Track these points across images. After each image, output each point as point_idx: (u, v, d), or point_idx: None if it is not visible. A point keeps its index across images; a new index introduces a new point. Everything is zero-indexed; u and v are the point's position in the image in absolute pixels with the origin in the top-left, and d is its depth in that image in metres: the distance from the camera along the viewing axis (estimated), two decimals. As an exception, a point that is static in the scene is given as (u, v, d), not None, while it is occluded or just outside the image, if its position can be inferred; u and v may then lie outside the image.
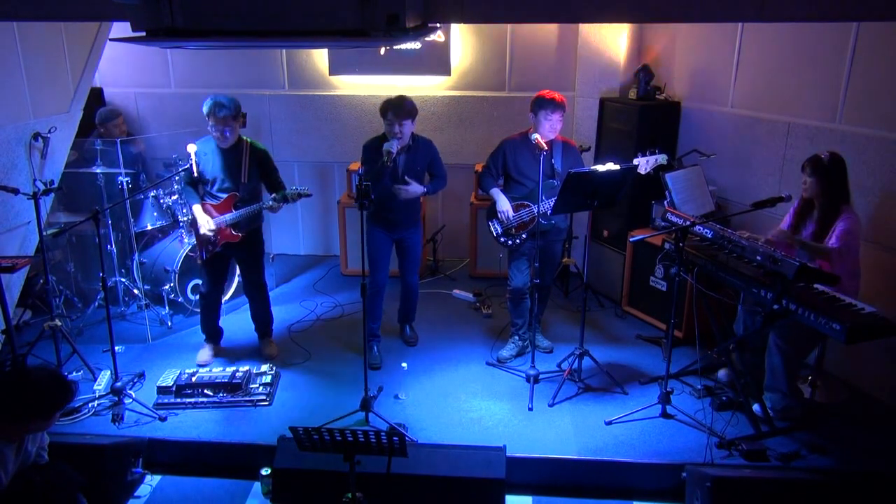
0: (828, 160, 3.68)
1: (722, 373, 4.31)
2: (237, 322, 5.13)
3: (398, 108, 4.19)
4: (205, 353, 4.62)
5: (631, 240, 4.66)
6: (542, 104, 4.16)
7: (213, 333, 4.71)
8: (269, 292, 4.76)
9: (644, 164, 4.13)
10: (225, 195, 4.32)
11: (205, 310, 4.64)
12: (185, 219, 5.19)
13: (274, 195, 4.29)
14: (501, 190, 4.41)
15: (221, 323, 4.78)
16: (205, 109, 4.16)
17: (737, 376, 3.95)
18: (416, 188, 4.43)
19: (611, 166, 3.94)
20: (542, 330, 4.94)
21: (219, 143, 4.25)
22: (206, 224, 4.27)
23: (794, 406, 3.86)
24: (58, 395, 2.84)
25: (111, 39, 5.21)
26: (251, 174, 4.32)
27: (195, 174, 4.30)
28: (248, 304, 4.77)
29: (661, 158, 4.17)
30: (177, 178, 4.96)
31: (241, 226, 4.35)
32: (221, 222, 4.30)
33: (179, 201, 5.20)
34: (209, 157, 4.29)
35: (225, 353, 4.73)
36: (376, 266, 4.55)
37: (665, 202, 4.49)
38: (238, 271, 5.18)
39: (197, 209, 4.33)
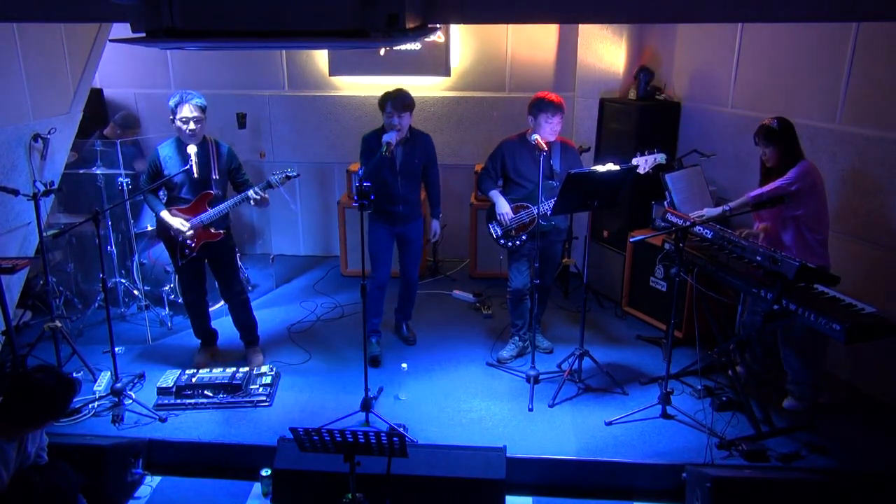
0: (778, 126, 3.73)
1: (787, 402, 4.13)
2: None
3: (396, 101, 4.22)
4: (201, 357, 4.60)
5: (631, 240, 4.66)
6: (542, 107, 4.15)
7: (206, 336, 4.68)
8: (248, 294, 4.69)
9: (643, 163, 4.13)
10: (195, 196, 4.21)
11: (192, 315, 4.59)
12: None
13: (259, 183, 4.16)
14: (500, 192, 4.40)
15: (216, 325, 4.76)
16: (173, 102, 4.03)
17: (736, 377, 3.95)
18: (436, 227, 4.70)
19: (610, 167, 3.94)
20: (543, 330, 4.94)
21: (185, 139, 4.09)
22: (183, 227, 4.17)
23: (811, 394, 3.95)
24: (65, 395, 2.87)
25: (111, 40, 5.21)
26: (221, 171, 4.23)
27: (171, 178, 4.16)
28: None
29: (660, 158, 4.17)
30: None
31: (217, 224, 4.28)
32: (199, 222, 4.20)
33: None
34: (174, 159, 4.16)
35: (223, 355, 4.72)
36: (378, 262, 4.55)
37: (665, 202, 4.49)
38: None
39: (166, 215, 4.20)
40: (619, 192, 4.04)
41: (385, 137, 4.17)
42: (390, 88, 4.32)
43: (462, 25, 5.89)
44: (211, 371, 4.30)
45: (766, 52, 4.71)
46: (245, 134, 6.04)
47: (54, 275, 4.96)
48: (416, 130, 4.47)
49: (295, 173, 4.21)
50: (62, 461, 3.12)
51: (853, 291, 3.59)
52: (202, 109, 4.09)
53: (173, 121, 4.09)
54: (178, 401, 4.08)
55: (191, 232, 4.20)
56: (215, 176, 4.21)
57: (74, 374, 4.30)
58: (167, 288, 5.09)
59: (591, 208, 3.99)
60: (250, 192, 4.15)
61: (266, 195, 4.17)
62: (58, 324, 4.05)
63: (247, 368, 4.36)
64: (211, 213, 4.20)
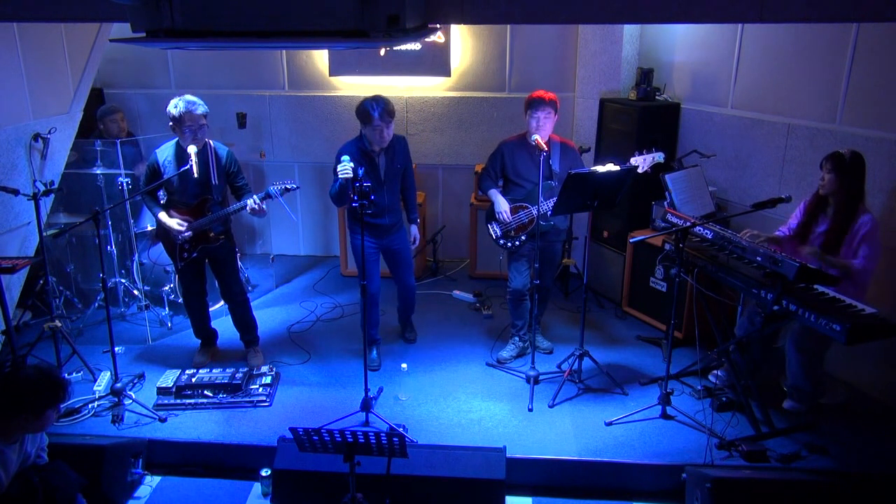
0: (849, 157, 3.65)
1: (712, 376, 4.30)
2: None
3: (385, 109, 4.06)
4: (201, 357, 4.60)
5: (631, 241, 4.66)
6: (528, 103, 4.19)
7: (206, 336, 4.68)
8: (248, 295, 4.69)
9: (642, 162, 4.13)
10: (194, 200, 4.22)
11: (191, 316, 4.59)
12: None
13: (258, 193, 4.13)
14: (500, 192, 4.41)
15: (216, 325, 4.76)
16: (178, 110, 4.00)
17: (737, 377, 3.95)
18: (415, 232, 4.61)
19: (610, 167, 3.94)
20: (543, 331, 4.94)
21: (185, 143, 4.08)
22: (180, 228, 4.16)
23: (811, 395, 3.96)
24: (48, 393, 2.78)
25: (111, 40, 5.21)
26: (220, 175, 4.22)
27: (171, 180, 4.16)
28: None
29: (659, 156, 4.17)
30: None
31: (216, 228, 4.28)
32: (197, 226, 4.21)
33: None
34: (173, 162, 4.16)
35: (223, 355, 4.72)
36: (367, 275, 4.28)
37: (665, 203, 4.49)
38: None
39: (164, 217, 4.20)
40: (619, 192, 4.04)
41: (347, 170, 3.90)
42: (390, 90, 4.27)
43: (462, 25, 5.89)
44: (211, 371, 4.30)
45: (766, 52, 4.71)
46: (245, 134, 6.04)
47: (54, 274, 4.96)
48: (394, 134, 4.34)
49: (294, 186, 4.17)
50: (62, 461, 3.12)
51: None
52: (205, 116, 4.10)
53: (173, 127, 4.08)
54: (178, 401, 4.08)
55: (188, 234, 4.20)
56: (215, 181, 4.21)
57: (74, 375, 4.33)
58: (167, 288, 5.09)
59: (591, 209, 3.99)
60: (248, 202, 4.12)
61: (264, 206, 4.14)
62: (58, 324, 4.05)
63: (247, 368, 4.36)
64: (209, 217, 4.21)
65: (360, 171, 3.89)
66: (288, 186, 4.15)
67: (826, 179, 3.71)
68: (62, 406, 3.23)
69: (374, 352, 4.62)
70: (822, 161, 3.75)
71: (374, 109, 4.05)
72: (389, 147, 4.31)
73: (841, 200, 3.69)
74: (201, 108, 4.06)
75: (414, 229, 4.64)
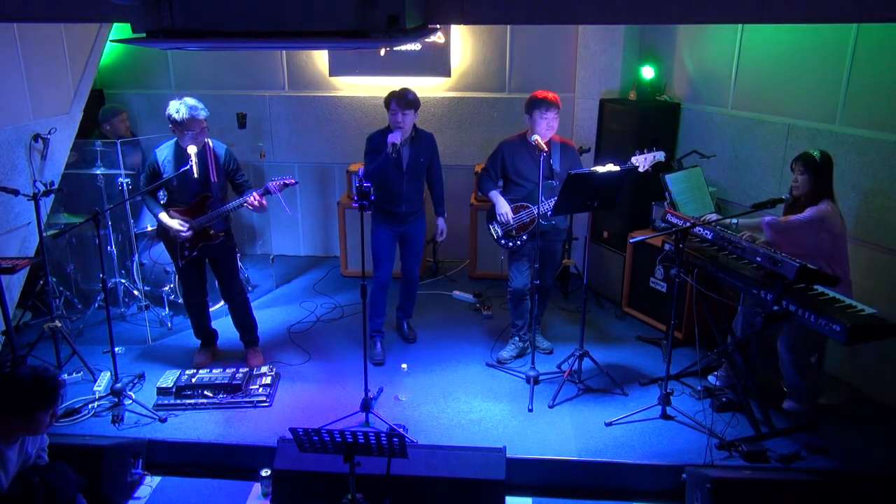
0: (819, 158, 3.69)
1: (713, 377, 4.33)
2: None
3: (401, 98, 4.28)
4: (201, 357, 4.60)
5: (631, 241, 4.66)
6: (535, 104, 4.17)
7: (206, 337, 4.68)
8: (248, 294, 4.69)
9: (642, 161, 4.13)
10: (194, 199, 4.22)
11: (192, 316, 4.59)
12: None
13: (257, 189, 4.16)
14: (500, 192, 4.41)
15: (216, 325, 4.76)
16: (181, 115, 4.00)
17: (737, 377, 3.95)
18: (442, 225, 4.72)
19: (611, 167, 3.94)
20: (543, 331, 4.94)
21: (184, 143, 4.08)
22: (181, 228, 4.17)
23: (811, 396, 3.96)
24: (36, 396, 2.74)
25: (111, 41, 5.21)
26: (219, 172, 4.23)
27: (170, 180, 4.16)
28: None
29: (659, 155, 4.16)
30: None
31: (216, 226, 4.29)
32: (198, 224, 4.21)
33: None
34: (172, 161, 4.16)
35: (223, 355, 4.72)
36: (381, 262, 4.58)
37: (665, 203, 4.49)
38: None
39: (164, 216, 4.21)
40: (619, 192, 4.04)
41: (390, 138, 4.21)
42: (391, 89, 4.36)
43: (462, 25, 5.89)
44: (211, 371, 4.30)
45: (766, 52, 4.71)
46: (245, 134, 6.04)
47: (54, 275, 4.96)
48: (420, 129, 4.52)
49: (293, 181, 4.21)
50: (62, 462, 3.12)
51: (853, 292, 3.59)
52: (206, 119, 4.12)
53: (174, 130, 4.09)
54: (178, 401, 4.08)
55: (189, 233, 4.20)
56: (214, 179, 4.21)
57: (74, 375, 4.33)
58: (167, 288, 5.08)
59: (591, 209, 3.99)
60: (248, 198, 4.14)
61: (264, 202, 4.17)
62: (58, 324, 4.05)
63: (246, 369, 4.36)
64: (209, 215, 4.21)
65: (361, 172, 3.95)
66: (286, 181, 4.18)
67: (799, 181, 3.75)
68: (61, 407, 3.22)
69: (378, 345, 4.64)
70: (792, 163, 3.78)
71: (394, 96, 4.30)
72: (416, 140, 4.44)
73: (809, 200, 3.72)
74: (203, 113, 4.08)
75: (441, 222, 4.75)
